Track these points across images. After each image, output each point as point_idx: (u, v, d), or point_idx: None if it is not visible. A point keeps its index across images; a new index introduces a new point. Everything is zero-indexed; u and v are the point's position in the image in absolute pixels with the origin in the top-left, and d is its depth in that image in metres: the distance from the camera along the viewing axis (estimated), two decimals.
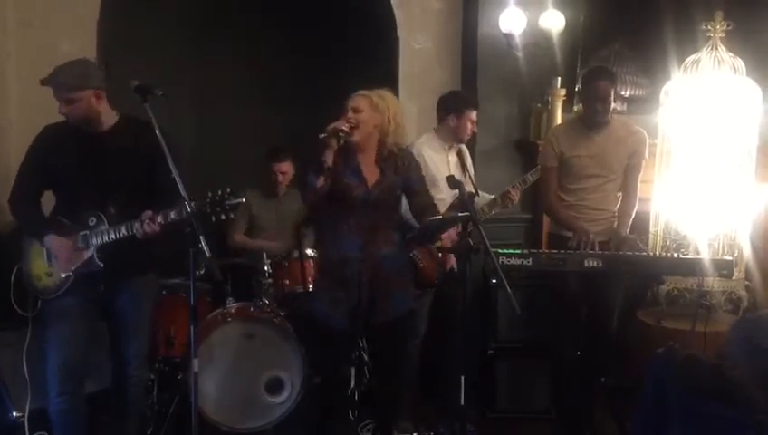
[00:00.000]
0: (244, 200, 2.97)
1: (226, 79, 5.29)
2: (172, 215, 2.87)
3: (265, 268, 4.06)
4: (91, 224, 3.04)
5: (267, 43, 5.26)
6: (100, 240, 3.02)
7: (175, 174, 2.78)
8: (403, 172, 3.31)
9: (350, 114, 3.20)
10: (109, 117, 3.12)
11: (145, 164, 3.05)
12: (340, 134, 3.13)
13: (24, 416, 3.37)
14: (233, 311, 3.90)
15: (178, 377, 3.81)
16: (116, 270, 3.07)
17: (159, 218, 2.90)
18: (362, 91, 3.26)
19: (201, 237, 2.71)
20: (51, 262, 3.08)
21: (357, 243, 3.20)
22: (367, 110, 3.21)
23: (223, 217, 2.86)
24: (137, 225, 2.92)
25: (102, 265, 3.04)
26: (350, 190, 3.20)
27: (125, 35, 4.73)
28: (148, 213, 2.92)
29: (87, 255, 3.04)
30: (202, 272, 3.54)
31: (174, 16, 5.05)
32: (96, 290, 3.11)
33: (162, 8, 4.91)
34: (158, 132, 2.84)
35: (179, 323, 3.87)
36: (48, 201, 3.23)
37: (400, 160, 3.31)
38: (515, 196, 4.03)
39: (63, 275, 3.06)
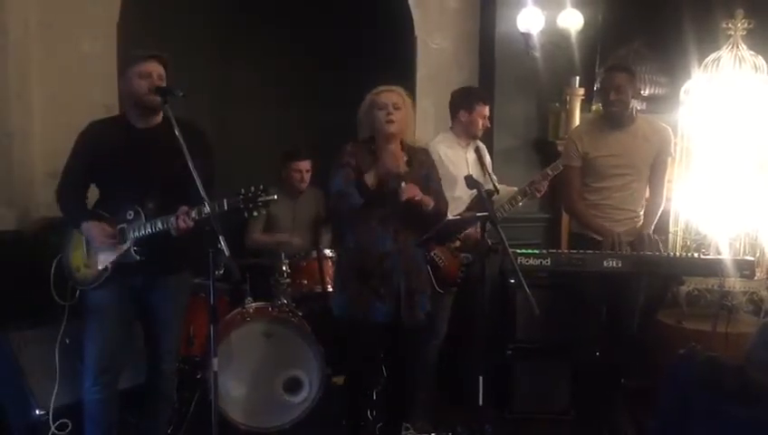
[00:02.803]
0: (276, 197, 2.99)
1: (244, 80, 5.31)
2: (206, 210, 2.90)
3: (284, 268, 4.07)
4: (129, 217, 3.08)
5: (284, 44, 5.27)
6: (136, 233, 3.06)
7: (194, 174, 2.83)
8: (427, 167, 3.39)
9: (391, 110, 3.24)
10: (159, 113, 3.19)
11: (184, 162, 3.04)
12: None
13: (47, 414, 3.41)
14: (252, 311, 3.91)
15: (198, 376, 3.83)
16: (153, 267, 3.12)
17: (194, 214, 2.93)
18: (393, 87, 3.31)
19: (221, 237, 2.74)
20: (89, 253, 3.15)
21: (390, 236, 3.25)
22: (403, 107, 3.28)
23: (255, 213, 2.95)
24: (172, 219, 2.96)
25: (139, 258, 3.08)
26: (383, 183, 3.22)
27: (145, 36, 4.76)
28: (184, 208, 2.96)
29: (124, 247, 3.08)
30: (221, 272, 3.56)
31: (193, 17, 5.07)
32: (132, 284, 3.16)
33: (181, 8, 4.94)
34: (177, 133, 2.90)
35: (199, 323, 3.90)
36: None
37: (424, 155, 3.41)
38: (544, 186, 3.94)
39: (100, 267, 3.11)
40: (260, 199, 2.90)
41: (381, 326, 3.27)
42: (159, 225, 3.01)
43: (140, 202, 3.09)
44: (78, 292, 3.27)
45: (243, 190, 2.91)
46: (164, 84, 3.08)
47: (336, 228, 3.38)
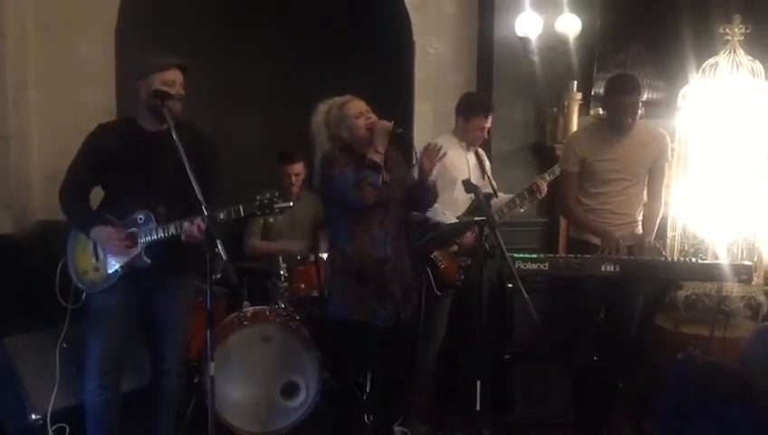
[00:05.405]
0: (292, 205, 3.02)
1: (242, 81, 5.31)
2: (221, 216, 2.91)
3: (281, 272, 4.06)
4: (139, 222, 3.07)
5: (283, 46, 5.28)
6: (149, 238, 3.05)
7: (192, 179, 2.83)
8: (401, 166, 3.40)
9: (368, 114, 3.27)
10: None
11: (195, 168, 3.05)
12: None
13: (43, 419, 3.42)
14: (249, 315, 3.90)
15: (195, 380, 3.82)
16: (161, 270, 3.12)
17: (202, 220, 2.91)
18: (354, 97, 3.35)
19: (218, 241, 2.73)
20: (98, 257, 3.13)
21: (388, 240, 3.26)
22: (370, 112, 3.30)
23: (271, 220, 3.03)
24: (186, 224, 2.95)
25: (150, 261, 3.07)
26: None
27: (143, 38, 4.76)
28: (199, 218, 2.95)
29: (135, 251, 3.07)
30: (218, 276, 3.55)
31: (191, 19, 5.07)
32: (139, 287, 3.15)
33: (179, 11, 4.94)
34: (174, 137, 2.89)
35: (196, 327, 3.87)
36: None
37: (396, 155, 3.38)
38: (544, 187, 3.95)
39: (111, 271, 3.10)
40: (276, 206, 2.94)
41: (382, 330, 3.27)
42: (172, 229, 3.01)
43: (151, 206, 3.08)
44: (84, 295, 3.24)
45: (258, 197, 2.93)
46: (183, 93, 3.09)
47: (342, 234, 3.32)
